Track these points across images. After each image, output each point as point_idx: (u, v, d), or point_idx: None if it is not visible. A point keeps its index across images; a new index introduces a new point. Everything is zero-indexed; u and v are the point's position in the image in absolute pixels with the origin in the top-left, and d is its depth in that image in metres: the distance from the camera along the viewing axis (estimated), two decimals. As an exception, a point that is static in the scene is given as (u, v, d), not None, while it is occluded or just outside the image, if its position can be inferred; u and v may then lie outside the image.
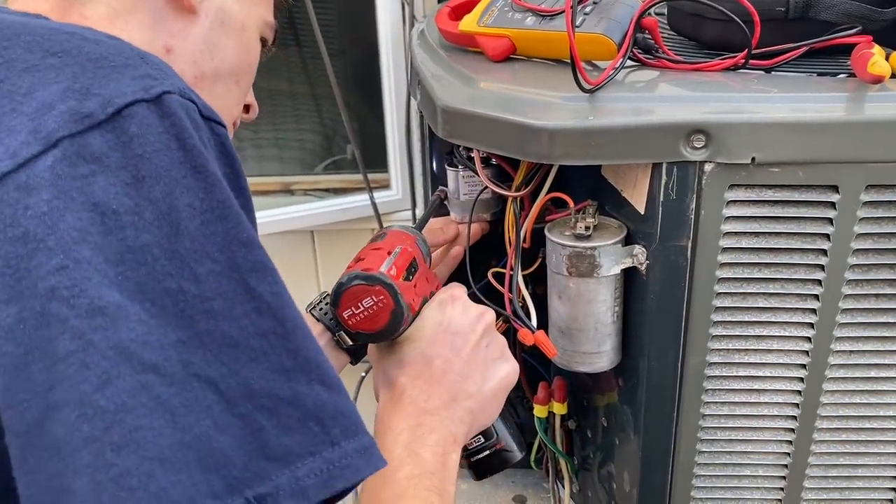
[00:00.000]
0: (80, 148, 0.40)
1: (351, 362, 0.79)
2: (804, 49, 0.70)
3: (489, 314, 0.69)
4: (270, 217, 1.56)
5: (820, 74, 0.69)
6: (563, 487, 0.91)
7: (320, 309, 0.75)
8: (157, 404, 0.38)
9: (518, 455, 0.71)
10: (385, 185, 1.61)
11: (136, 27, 0.55)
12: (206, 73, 0.58)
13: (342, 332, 0.63)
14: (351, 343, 0.63)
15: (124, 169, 0.40)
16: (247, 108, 0.68)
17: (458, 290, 0.71)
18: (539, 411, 0.86)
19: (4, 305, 0.38)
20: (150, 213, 0.40)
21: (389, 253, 0.66)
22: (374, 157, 1.59)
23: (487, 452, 0.70)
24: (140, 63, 0.44)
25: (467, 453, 0.70)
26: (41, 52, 0.43)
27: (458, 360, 0.65)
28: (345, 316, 0.62)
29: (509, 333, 0.88)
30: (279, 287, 0.44)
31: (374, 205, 1.56)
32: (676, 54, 0.72)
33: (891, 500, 0.75)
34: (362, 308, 0.62)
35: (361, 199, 1.58)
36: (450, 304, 0.68)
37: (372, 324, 0.62)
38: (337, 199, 1.61)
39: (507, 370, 0.69)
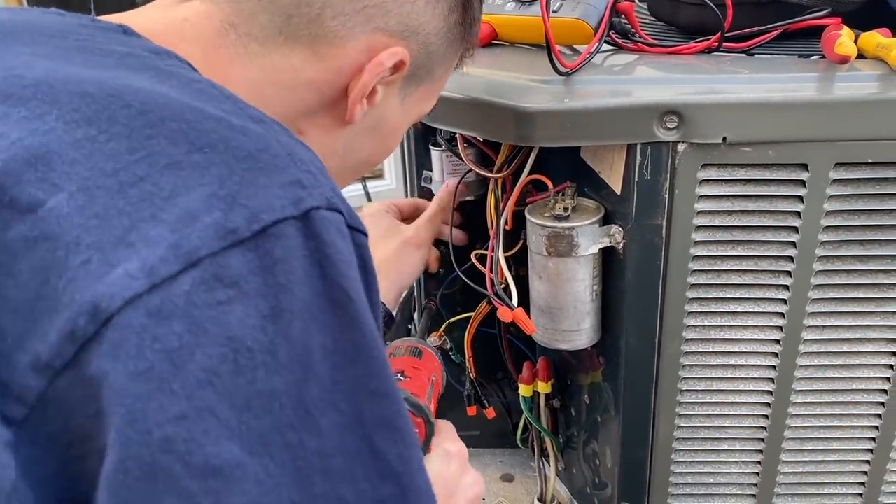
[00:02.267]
0: (219, 269, 0.35)
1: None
2: (777, 32, 0.71)
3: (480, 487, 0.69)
4: (265, 207, 1.57)
5: (800, 56, 0.71)
6: (549, 465, 0.93)
7: None
8: None
9: None
10: (378, 175, 1.63)
11: (278, 100, 0.50)
12: (331, 168, 0.50)
13: None
14: None
15: (264, 298, 0.36)
16: None
17: (462, 445, 0.69)
18: (524, 391, 0.88)
19: (109, 449, 0.33)
20: (285, 354, 0.36)
21: (428, 381, 0.65)
22: (368, 147, 1.61)
23: None
24: (289, 164, 0.39)
25: None
26: (186, 146, 0.38)
27: None
28: None
29: (493, 312, 0.90)
30: (408, 450, 0.40)
31: (368, 194, 1.58)
32: (653, 38, 0.74)
33: (864, 473, 0.77)
34: None
35: (355, 188, 1.59)
36: (455, 460, 0.67)
37: None
38: (331, 189, 1.63)
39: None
